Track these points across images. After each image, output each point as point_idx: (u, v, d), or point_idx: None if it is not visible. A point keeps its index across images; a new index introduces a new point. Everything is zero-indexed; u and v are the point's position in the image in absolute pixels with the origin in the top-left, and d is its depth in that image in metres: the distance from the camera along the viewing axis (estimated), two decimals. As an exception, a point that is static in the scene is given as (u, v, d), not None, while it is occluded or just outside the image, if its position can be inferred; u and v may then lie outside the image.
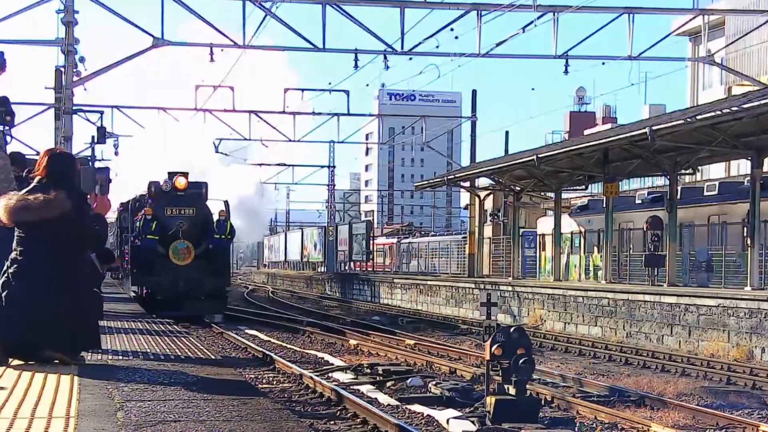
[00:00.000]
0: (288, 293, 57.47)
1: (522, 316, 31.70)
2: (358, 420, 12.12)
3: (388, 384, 15.85)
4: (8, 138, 13.85)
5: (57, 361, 7.53)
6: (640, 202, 36.07)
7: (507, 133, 68.28)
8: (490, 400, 12.17)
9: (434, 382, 15.35)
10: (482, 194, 43.99)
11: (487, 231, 45.70)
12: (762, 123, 23.68)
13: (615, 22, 28.90)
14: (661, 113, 44.09)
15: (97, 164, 40.11)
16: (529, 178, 37.81)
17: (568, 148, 31.56)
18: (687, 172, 34.17)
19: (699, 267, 29.66)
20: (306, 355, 20.43)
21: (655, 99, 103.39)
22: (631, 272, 32.12)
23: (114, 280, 36.29)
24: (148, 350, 9.91)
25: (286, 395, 14.29)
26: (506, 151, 54.61)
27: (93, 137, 39.68)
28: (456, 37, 30.16)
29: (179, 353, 9.68)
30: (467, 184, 44.30)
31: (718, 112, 22.92)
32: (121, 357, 9.03)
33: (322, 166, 66.44)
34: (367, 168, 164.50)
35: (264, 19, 27.60)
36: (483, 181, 43.88)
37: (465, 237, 46.83)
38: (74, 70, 27.64)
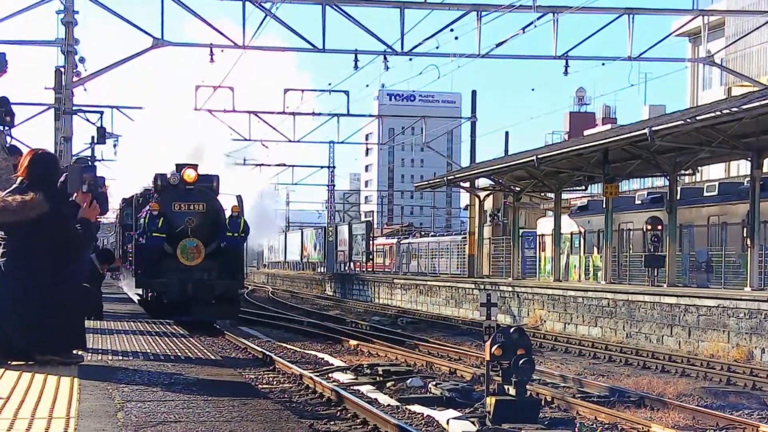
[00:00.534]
0: (288, 293, 57.47)
1: (522, 317, 31.70)
2: (358, 420, 12.12)
3: (388, 384, 15.86)
4: (8, 138, 13.86)
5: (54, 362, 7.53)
6: (639, 202, 36.06)
7: (507, 133, 68.52)
8: (490, 401, 12.17)
9: (434, 383, 15.35)
10: (482, 195, 44.00)
11: (487, 231, 45.70)
12: (762, 123, 23.69)
13: (615, 23, 28.93)
14: (661, 114, 44.08)
15: (98, 164, 40.06)
16: (528, 179, 37.82)
17: (568, 149, 31.58)
18: (687, 172, 34.18)
19: (699, 267, 29.68)
20: (306, 355, 20.43)
21: (655, 99, 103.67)
22: (631, 273, 32.12)
23: (114, 281, 36.12)
24: (148, 351, 9.91)
25: (286, 396, 14.29)
26: (506, 151, 54.65)
27: (93, 137, 39.73)
28: (456, 38, 30.22)
29: (179, 354, 9.67)
30: (467, 184, 44.32)
31: (718, 113, 22.94)
32: (121, 357, 9.03)
33: (322, 167, 66.45)
34: (367, 168, 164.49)
35: (264, 19, 27.63)
36: (483, 182, 43.88)
37: (465, 237, 46.85)
38: (74, 70, 27.66)
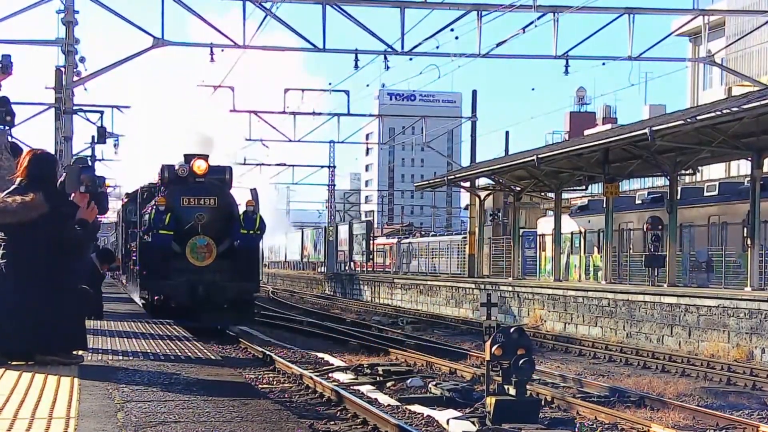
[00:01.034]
0: (288, 293, 57.49)
1: (522, 317, 31.69)
2: (358, 420, 12.12)
3: (388, 384, 15.86)
4: (8, 138, 13.87)
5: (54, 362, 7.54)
6: (640, 202, 36.05)
7: (507, 133, 68.33)
8: (490, 401, 12.17)
9: (434, 383, 15.35)
10: (482, 194, 43.98)
11: (487, 231, 45.68)
12: (762, 123, 23.68)
13: (615, 23, 28.90)
14: (661, 113, 44.09)
15: (98, 165, 40.09)
16: (529, 179, 37.81)
17: (568, 149, 31.57)
18: (687, 172, 34.17)
19: (699, 267, 29.66)
20: (306, 355, 20.42)
21: (655, 99, 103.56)
22: (631, 273, 32.10)
23: (116, 281, 36.06)
24: (148, 351, 9.91)
25: (286, 395, 14.29)
26: (506, 151, 54.65)
27: (93, 137, 39.75)
28: (456, 38, 30.19)
29: (179, 353, 9.68)
30: (467, 184, 44.30)
31: (719, 113, 22.93)
32: (121, 357, 9.03)
33: (323, 166, 66.42)
34: (367, 168, 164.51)
35: (264, 19, 27.64)
36: (483, 182, 43.87)
37: (465, 237, 46.82)
38: (74, 70, 27.65)
